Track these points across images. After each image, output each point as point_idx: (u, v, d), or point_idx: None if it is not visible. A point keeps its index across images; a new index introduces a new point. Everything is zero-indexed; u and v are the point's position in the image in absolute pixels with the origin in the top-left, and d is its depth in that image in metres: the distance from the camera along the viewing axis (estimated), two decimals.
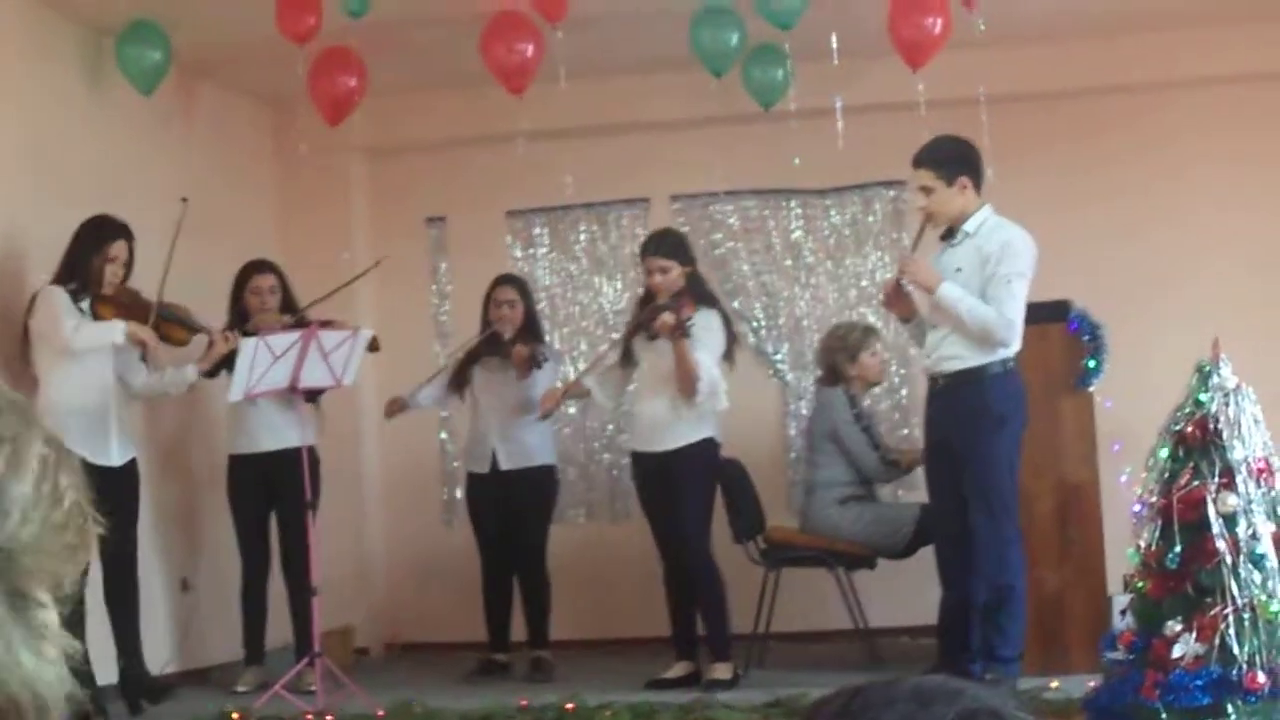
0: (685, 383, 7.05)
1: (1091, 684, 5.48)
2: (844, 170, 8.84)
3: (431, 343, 9.34)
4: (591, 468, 9.30)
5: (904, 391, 8.96)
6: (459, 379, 8.07)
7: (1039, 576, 6.88)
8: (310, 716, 6.65)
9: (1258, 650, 4.77)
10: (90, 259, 6.84)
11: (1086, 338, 7.17)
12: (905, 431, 8.85)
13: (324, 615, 7.34)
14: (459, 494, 8.62)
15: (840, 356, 7.86)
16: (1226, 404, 5.00)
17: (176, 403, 8.14)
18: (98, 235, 6.86)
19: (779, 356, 9.15)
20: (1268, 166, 8.59)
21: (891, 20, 7.32)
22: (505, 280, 8.14)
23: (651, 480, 7.29)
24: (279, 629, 7.82)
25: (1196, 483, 4.95)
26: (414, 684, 7.45)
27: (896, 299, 6.79)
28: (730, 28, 7.54)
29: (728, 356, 7.30)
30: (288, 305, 7.68)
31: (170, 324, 7.14)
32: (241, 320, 7.59)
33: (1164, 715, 4.82)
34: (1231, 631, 4.79)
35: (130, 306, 6.96)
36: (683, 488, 7.13)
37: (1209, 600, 4.87)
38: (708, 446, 7.24)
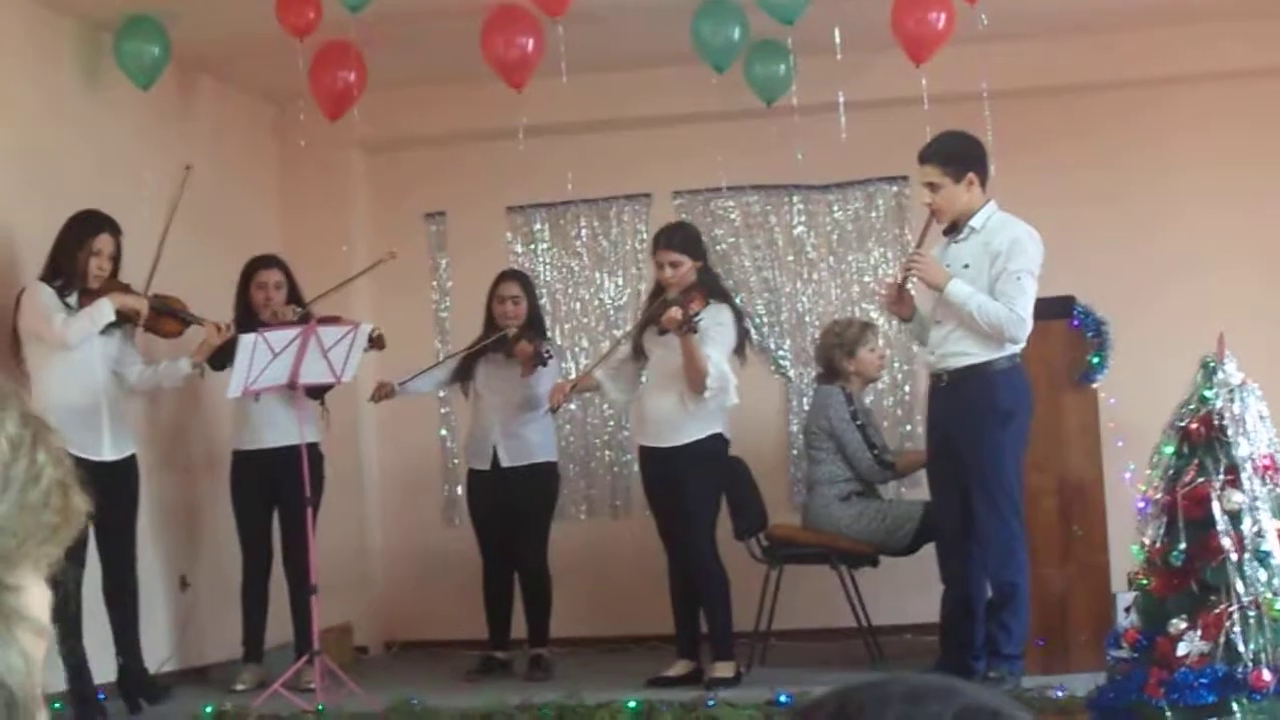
0: (693, 378, 7.02)
1: (1096, 682, 5.45)
2: (846, 165, 8.81)
3: (432, 339, 9.31)
4: (593, 464, 9.28)
5: (907, 388, 8.94)
6: (462, 375, 8.03)
7: (1043, 574, 6.85)
8: (310, 715, 6.62)
9: (1263, 648, 4.74)
10: (74, 254, 6.80)
11: (1090, 334, 7.15)
12: (908, 428, 8.83)
13: (323, 613, 7.32)
14: (459, 491, 8.59)
15: (837, 353, 7.84)
16: (1232, 400, 4.97)
17: (176, 399, 8.12)
18: (81, 229, 6.83)
19: (781, 353, 9.13)
20: (1270, 162, 8.57)
21: (894, 15, 7.31)
22: (509, 276, 8.11)
23: (658, 475, 7.26)
24: (277, 627, 7.79)
25: (1201, 479, 4.92)
26: (413, 682, 7.43)
27: (898, 300, 6.75)
28: (732, 22, 7.52)
29: (739, 352, 7.26)
30: (293, 300, 7.67)
31: (163, 316, 7.12)
32: (247, 315, 7.56)
33: (1169, 713, 4.79)
34: (1237, 629, 4.77)
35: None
36: (689, 483, 7.10)
37: (1214, 598, 4.84)
38: (716, 442, 7.21)
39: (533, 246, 9.39)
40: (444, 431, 9.33)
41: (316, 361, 7.11)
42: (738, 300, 8.03)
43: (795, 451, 8.87)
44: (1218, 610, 4.81)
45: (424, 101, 9.03)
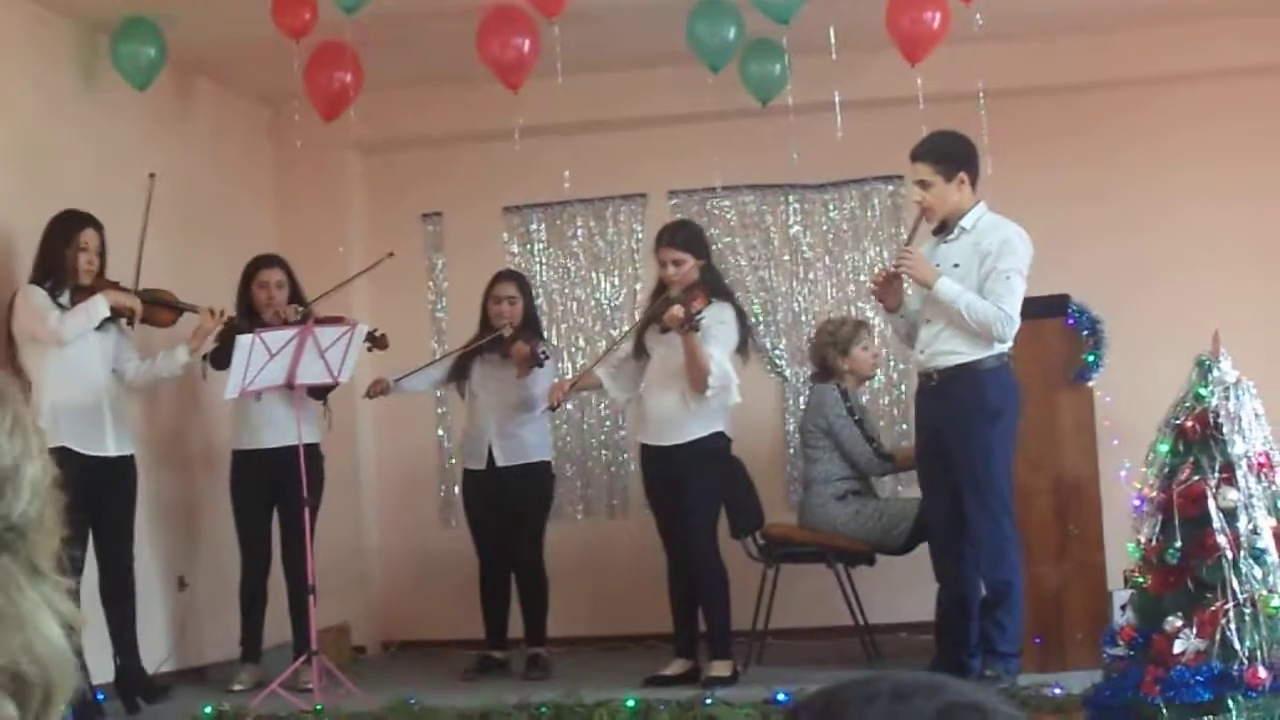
0: (695, 377, 7.02)
1: (1092, 680, 5.46)
2: (842, 165, 8.82)
3: (428, 339, 9.32)
4: (590, 464, 9.29)
5: (903, 387, 8.95)
6: (458, 375, 8.04)
7: (1039, 572, 6.86)
8: (308, 715, 6.62)
9: (1259, 645, 4.75)
10: (62, 252, 6.83)
11: (1085, 332, 7.16)
12: (904, 426, 8.83)
13: (321, 613, 7.32)
14: (456, 491, 8.60)
15: (831, 351, 7.85)
16: (1227, 398, 4.98)
17: (175, 399, 8.13)
18: (66, 228, 6.86)
19: (777, 352, 9.14)
20: (1267, 159, 8.58)
21: (889, 14, 7.32)
22: (504, 276, 8.11)
23: (660, 474, 7.26)
24: (275, 627, 7.80)
25: (1197, 477, 4.93)
26: (411, 682, 7.43)
27: (887, 289, 6.78)
28: (728, 22, 7.52)
29: (741, 350, 7.27)
30: (295, 299, 7.68)
31: (155, 306, 7.13)
32: (249, 315, 7.57)
33: (1165, 711, 4.80)
34: (1232, 627, 4.77)
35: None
36: (691, 482, 7.11)
37: (1210, 595, 4.85)
38: (718, 440, 7.21)
39: (529, 247, 9.39)
40: (441, 431, 9.33)
41: (313, 362, 7.11)
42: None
43: (791, 450, 8.88)
44: (1213, 608, 4.82)
45: (420, 102, 9.04)
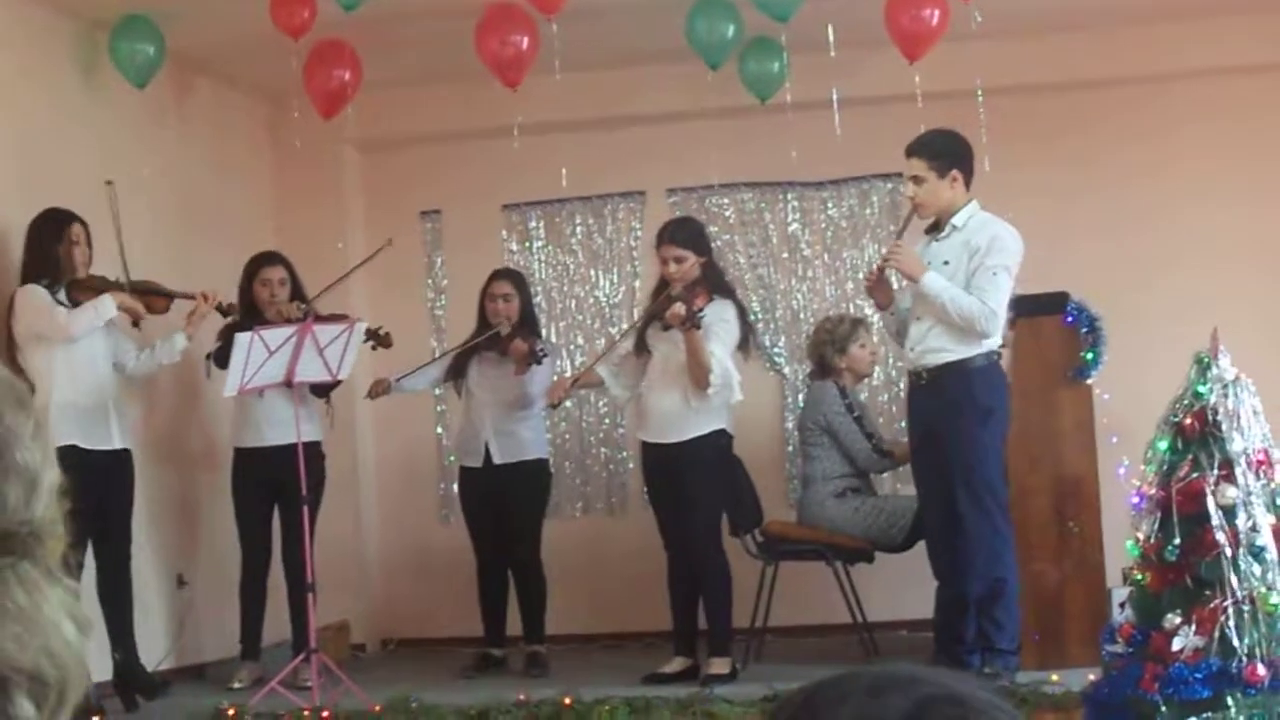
0: (697, 374, 7.02)
1: (1091, 677, 5.46)
2: (841, 163, 8.82)
3: (428, 337, 9.32)
4: (588, 461, 9.29)
5: (900, 384, 8.93)
6: (454, 373, 8.04)
7: (1038, 570, 6.87)
8: (307, 713, 6.62)
9: (1258, 643, 4.75)
10: (55, 248, 6.84)
11: (1084, 330, 7.15)
12: (902, 424, 8.80)
13: (320, 611, 7.32)
14: (455, 489, 8.60)
15: (829, 349, 7.86)
16: (1225, 395, 4.97)
17: (175, 397, 8.13)
18: (54, 225, 6.87)
19: (776, 349, 9.14)
20: (1263, 157, 8.59)
21: (888, 12, 7.32)
22: (501, 274, 8.11)
23: (661, 471, 7.26)
24: (274, 625, 7.80)
25: (1195, 475, 4.92)
26: (410, 680, 7.43)
27: (877, 285, 6.80)
28: (727, 20, 7.53)
29: (743, 348, 7.26)
30: (296, 297, 7.68)
31: (148, 295, 7.14)
32: (251, 312, 7.58)
33: (1164, 708, 4.80)
34: (1231, 624, 4.77)
35: (104, 288, 6.95)
36: (693, 480, 7.10)
37: (1208, 593, 4.85)
38: (720, 438, 7.21)
39: (528, 244, 9.39)
40: (440, 429, 9.33)
41: (312, 359, 7.11)
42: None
43: (790, 448, 8.88)
44: (1212, 605, 4.82)
45: (419, 100, 9.03)
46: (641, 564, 8.02)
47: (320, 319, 7.26)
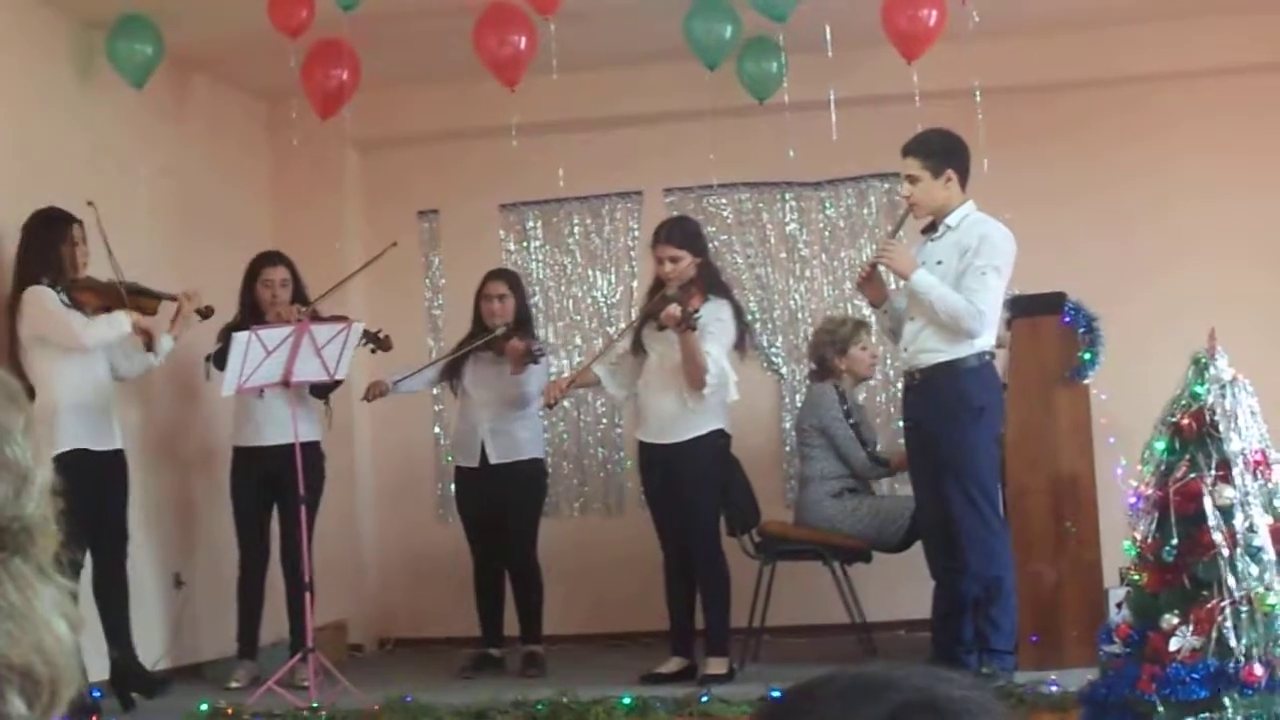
0: (692, 375, 7.02)
1: (1088, 677, 5.46)
2: (838, 163, 8.83)
3: (425, 336, 9.32)
4: (585, 461, 9.29)
5: (898, 385, 8.93)
6: (451, 373, 8.04)
7: (1035, 570, 6.86)
8: (304, 712, 6.62)
9: (1255, 643, 4.75)
10: (58, 249, 6.84)
11: (1082, 330, 7.15)
12: (899, 424, 8.82)
13: (318, 610, 7.32)
14: (453, 489, 8.60)
15: (829, 350, 7.86)
16: (1223, 396, 4.97)
17: (172, 397, 8.13)
18: (54, 225, 6.87)
19: (774, 350, 9.14)
20: (1260, 156, 8.59)
21: (886, 12, 7.32)
22: (496, 275, 8.11)
23: (658, 471, 7.26)
24: (271, 624, 7.80)
25: (1193, 475, 4.92)
26: (408, 679, 7.43)
27: (869, 282, 6.80)
28: (724, 20, 7.53)
29: (739, 347, 7.26)
30: (299, 297, 7.68)
31: (140, 297, 7.15)
32: (252, 313, 7.57)
33: (1161, 708, 4.80)
34: (1229, 624, 4.77)
35: (104, 290, 6.97)
36: (691, 480, 7.10)
37: (1206, 593, 4.85)
38: (717, 438, 7.20)
39: (525, 244, 9.39)
40: (437, 429, 9.33)
41: (310, 359, 7.11)
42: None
43: (788, 448, 8.88)
44: (1209, 605, 4.82)
45: (417, 99, 9.04)
46: (639, 564, 8.02)
47: (318, 319, 7.26)
